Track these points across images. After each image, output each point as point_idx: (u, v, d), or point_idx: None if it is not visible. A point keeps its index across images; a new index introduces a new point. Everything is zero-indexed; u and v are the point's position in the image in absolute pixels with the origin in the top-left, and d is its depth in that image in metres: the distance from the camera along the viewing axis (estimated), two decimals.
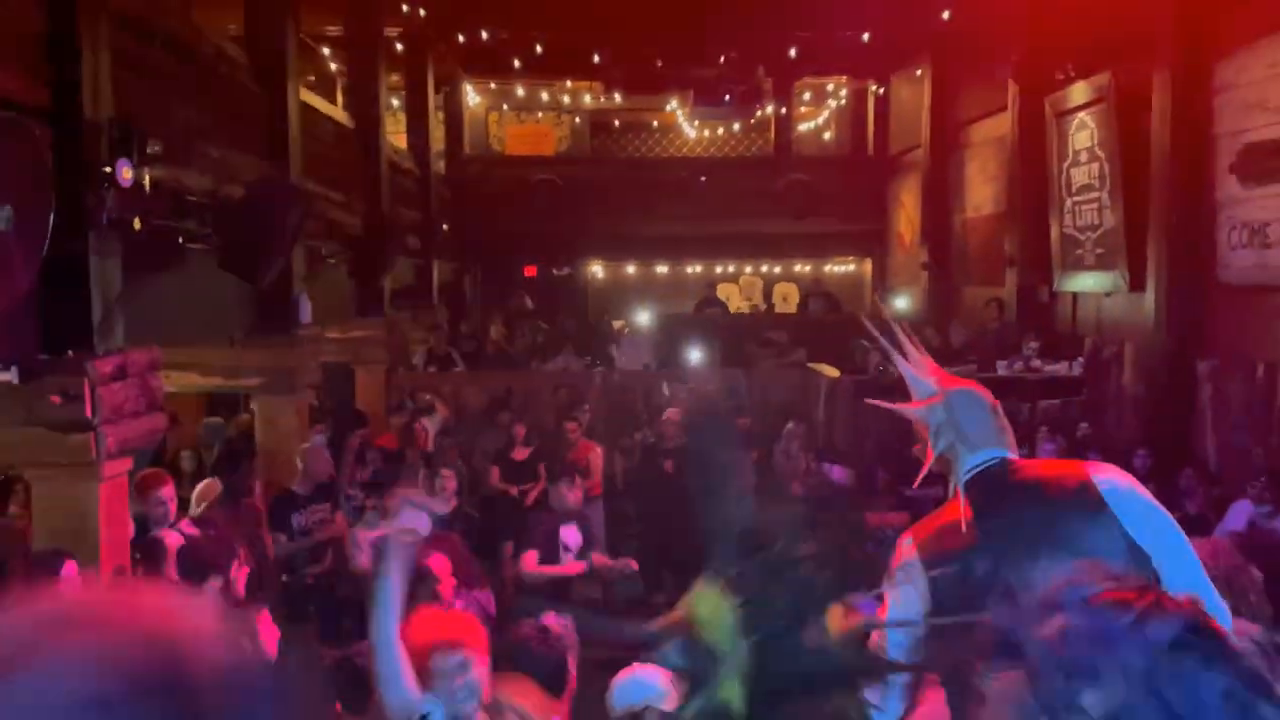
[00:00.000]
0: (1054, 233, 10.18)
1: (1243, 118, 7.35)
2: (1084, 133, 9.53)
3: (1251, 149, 7.25)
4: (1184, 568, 2.08)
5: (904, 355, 2.42)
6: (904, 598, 2.11)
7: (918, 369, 2.41)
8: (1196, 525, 5.65)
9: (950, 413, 2.28)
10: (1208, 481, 7.13)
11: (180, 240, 5.75)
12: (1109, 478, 2.16)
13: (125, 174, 4.57)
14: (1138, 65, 8.52)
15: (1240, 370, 7.49)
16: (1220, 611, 2.10)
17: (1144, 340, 8.59)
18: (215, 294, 6.46)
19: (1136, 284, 8.64)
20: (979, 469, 2.22)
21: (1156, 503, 2.16)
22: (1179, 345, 8.12)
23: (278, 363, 7.43)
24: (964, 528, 2.13)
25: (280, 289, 6.97)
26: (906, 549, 2.20)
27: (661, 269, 17.69)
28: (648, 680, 2.79)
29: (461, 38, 13.29)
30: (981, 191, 12.63)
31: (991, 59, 11.59)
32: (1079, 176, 9.68)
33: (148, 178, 4.79)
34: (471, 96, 17.30)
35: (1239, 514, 6.20)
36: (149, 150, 4.72)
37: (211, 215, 6.02)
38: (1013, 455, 2.28)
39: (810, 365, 11.06)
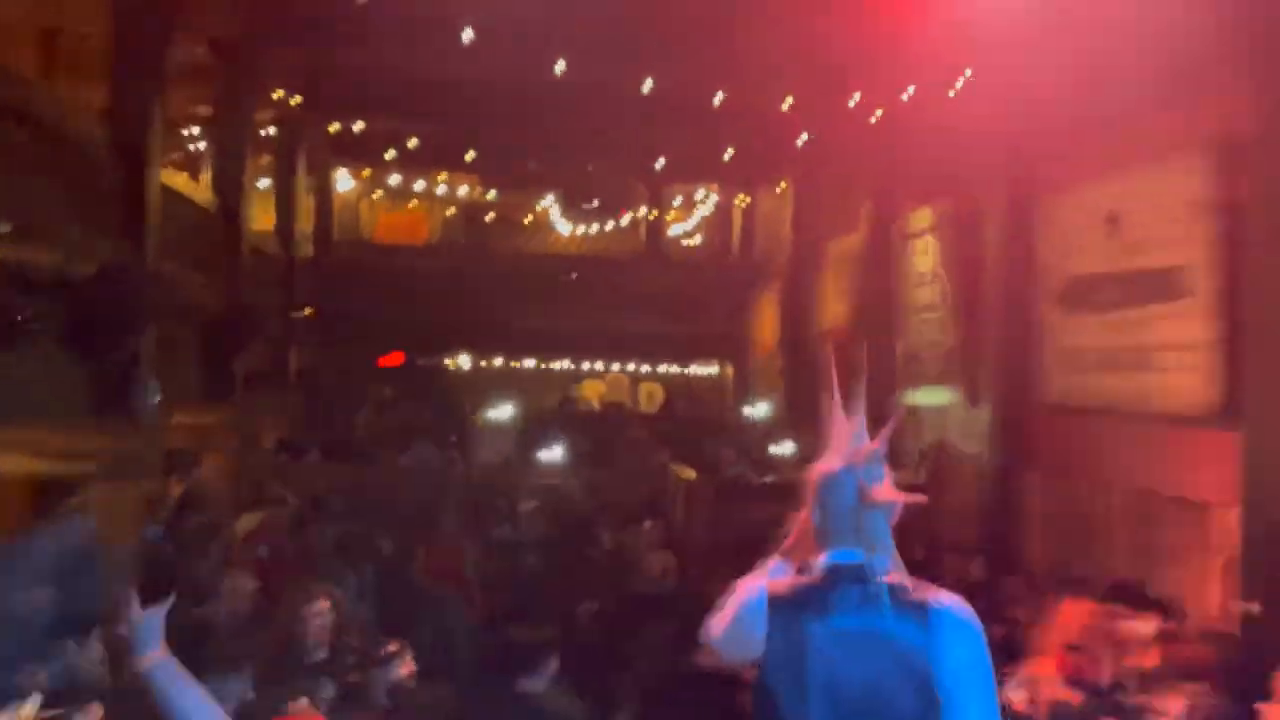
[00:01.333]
0: (900, 348, 10.76)
1: (1062, 252, 8.02)
2: (926, 255, 10.19)
3: (1070, 281, 7.90)
4: None
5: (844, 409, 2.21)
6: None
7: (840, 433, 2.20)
8: (1019, 629, 5.95)
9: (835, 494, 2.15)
10: (1034, 588, 7.51)
11: (20, 319, 5.55)
12: (949, 606, 2.04)
13: None
14: (974, 196, 9.23)
15: (1062, 485, 8.01)
16: None
17: (980, 453, 9.10)
18: (53, 372, 6.22)
19: (973, 400, 9.19)
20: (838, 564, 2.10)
21: (987, 658, 2.02)
22: (1009, 460, 8.63)
23: (119, 446, 7.14)
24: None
25: (126, 369, 6.75)
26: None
27: (529, 362, 17.77)
28: None
29: (334, 127, 13.35)
30: (835, 305, 13.26)
31: (847, 181, 12.32)
32: (922, 296, 10.32)
33: None
34: (344, 181, 17.25)
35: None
36: None
37: (59, 295, 5.84)
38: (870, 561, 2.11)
39: (670, 465, 11.26)
